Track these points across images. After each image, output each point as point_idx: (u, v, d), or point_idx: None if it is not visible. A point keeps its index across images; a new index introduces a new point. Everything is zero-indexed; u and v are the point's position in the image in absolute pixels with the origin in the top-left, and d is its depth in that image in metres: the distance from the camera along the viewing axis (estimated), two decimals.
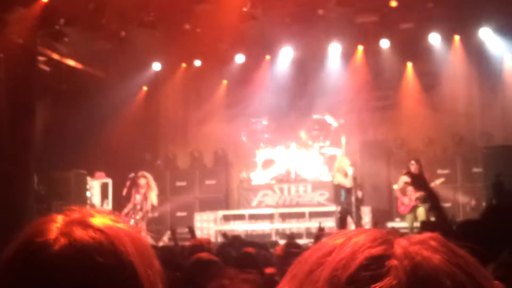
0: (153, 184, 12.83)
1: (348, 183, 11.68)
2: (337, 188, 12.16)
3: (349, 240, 0.74)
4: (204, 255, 4.34)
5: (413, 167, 11.69)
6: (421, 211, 11.56)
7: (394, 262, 0.70)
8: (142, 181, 12.73)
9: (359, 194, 11.90)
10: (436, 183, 11.94)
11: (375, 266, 0.70)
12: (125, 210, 12.50)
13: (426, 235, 0.75)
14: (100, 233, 0.95)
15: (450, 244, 0.73)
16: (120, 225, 1.00)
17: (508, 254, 3.00)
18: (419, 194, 11.55)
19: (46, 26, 12.51)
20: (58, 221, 0.97)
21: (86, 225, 0.96)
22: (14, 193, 11.05)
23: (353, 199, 11.58)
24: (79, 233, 0.95)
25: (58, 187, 12.79)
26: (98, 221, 0.98)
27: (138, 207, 12.57)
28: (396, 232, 0.76)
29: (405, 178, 11.84)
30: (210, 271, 3.85)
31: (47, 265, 0.91)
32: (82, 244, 0.93)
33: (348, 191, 11.63)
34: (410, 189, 11.62)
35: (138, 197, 12.67)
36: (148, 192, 12.64)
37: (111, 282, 0.92)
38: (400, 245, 0.72)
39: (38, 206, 11.78)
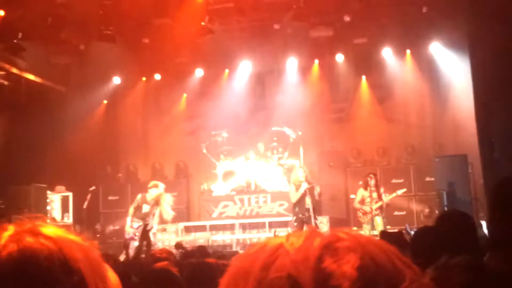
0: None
1: (293, 198, 11.49)
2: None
3: (290, 237, 0.80)
4: (159, 264, 4.39)
5: (372, 180, 12.00)
6: (378, 221, 11.86)
7: (346, 243, 0.78)
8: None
9: (309, 203, 11.71)
10: (398, 193, 12.22)
11: None
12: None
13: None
14: (50, 240, 0.95)
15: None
16: (72, 237, 1.00)
17: (447, 257, 3.14)
18: (378, 205, 11.85)
19: (4, 40, 12.48)
20: (8, 230, 0.97)
21: (37, 233, 0.96)
22: None
23: (307, 207, 11.55)
24: (29, 240, 0.95)
25: (18, 201, 12.66)
26: (49, 230, 0.98)
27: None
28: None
29: (363, 191, 12.12)
30: (162, 281, 3.91)
31: None
32: (30, 250, 0.93)
33: (296, 203, 11.47)
34: (368, 200, 11.91)
35: (146, 207, 11.25)
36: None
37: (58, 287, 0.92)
38: (342, 231, 0.80)
39: None
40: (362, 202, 12.01)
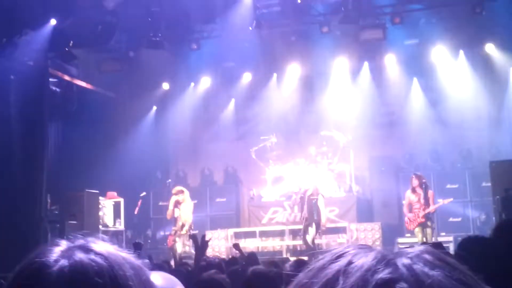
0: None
1: None
2: None
3: (351, 263, 0.75)
4: (209, 274, 4.36)
5: (414, 180, 11.56)
6: (429, 230, 11.42)
7: (404, 285, 0.71)
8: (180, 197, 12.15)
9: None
10: (444, 203, 11.85)
11: None
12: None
13: (420, 248, 0.77)
14: (101, 256, 0.98)
15: (443, 257, 0.76)
16: (123, 254, 1.03)
17: None
18: (426, 211, 11.37)
19: (56, 48, 12.73)
20: (61, 245, 1.00)
21: (88, 249, 0.99)
22: (27, 214, 11.19)
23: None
24: (80, 255, 0.97)
25: (71, 207, 12.82)
26: (100, 246, 1.01)
27: (180, 223, 11.95)
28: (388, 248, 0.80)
29: (409, 194, 11.69)
30: None
31: (46, 284, 0.94)
32: (81, 265, 0.96)
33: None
34: (416, 206, 11.48)
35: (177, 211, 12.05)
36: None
37: None
38: (404, 265, 0.73)
39: (52, 226, 11.90)
40: (410, 207, 11.54)
